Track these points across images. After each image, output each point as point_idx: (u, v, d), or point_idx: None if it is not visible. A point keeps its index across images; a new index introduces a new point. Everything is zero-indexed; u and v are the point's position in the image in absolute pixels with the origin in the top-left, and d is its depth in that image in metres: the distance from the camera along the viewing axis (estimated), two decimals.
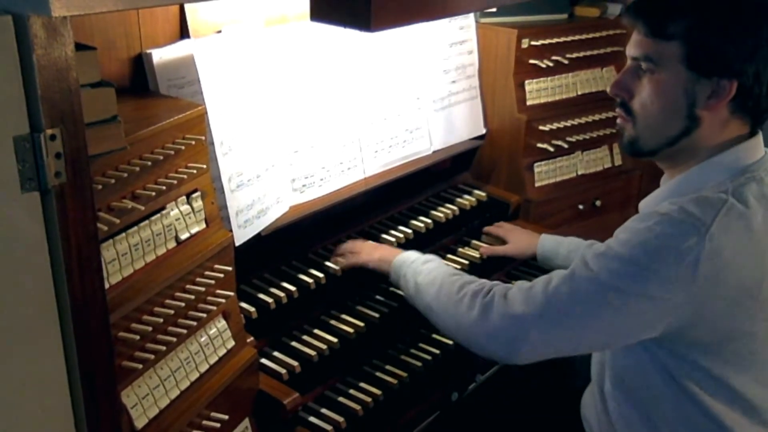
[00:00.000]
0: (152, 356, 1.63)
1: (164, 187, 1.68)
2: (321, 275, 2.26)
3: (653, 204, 1.81)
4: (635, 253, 1.63)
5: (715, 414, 1.73)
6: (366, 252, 2.30)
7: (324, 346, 2.12)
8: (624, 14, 1.79)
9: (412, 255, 2.18)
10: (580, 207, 3.08)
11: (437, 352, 2.25)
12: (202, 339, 1.81)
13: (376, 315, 2.27)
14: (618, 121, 1.84)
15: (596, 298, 1.66)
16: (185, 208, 1.77)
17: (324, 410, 2.02)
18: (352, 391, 2.10)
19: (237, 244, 1.98)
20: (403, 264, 2.15)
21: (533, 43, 2.86)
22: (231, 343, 1.89)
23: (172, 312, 1.69)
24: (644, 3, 1.75)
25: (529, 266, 2.70)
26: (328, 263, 2.32)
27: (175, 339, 1.70)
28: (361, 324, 2.23)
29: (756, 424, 1.76)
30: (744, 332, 1.70)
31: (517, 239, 2.64)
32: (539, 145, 2.93)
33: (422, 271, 2.06)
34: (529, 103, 2.91)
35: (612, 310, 1.66)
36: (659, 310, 1.64)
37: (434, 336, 2.29)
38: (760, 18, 1.64)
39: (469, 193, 2.86)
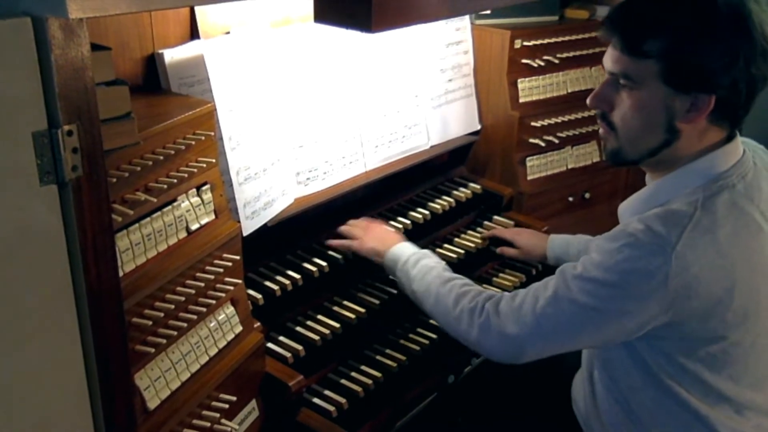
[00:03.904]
0: (164, 341, 1.63)
1: (175, 180, 1.68)
2: (324, 264, 2.26)
3: (630, 210, 1.81)
4: (608, 276, 1.63)
5: (691, 405, 1.73)
6: (359, 240, 2.27)
7: (327, 331, 2.12)
8: (601, 31, 1.74)
9: (403, 253, 2.14)
10: (570, 199, 3.08)
11: (434, 336, 2.25)
12: (212, 324, 1.82)
13: (377, 301, 2.27)
14: (600, 132, 1.81)
15: (579, 317, 1.68)
16: (195, 200, 1.77)
17: (327, 392, 2.03)
18: (353, 374, 2.10)
19: (244, 234, 1.98)
20: (394, 265, 2.14)
21: (526, 43, 2.85)
22: (239, 329, 1.89)
23: (182, 299, 1.69)
24: (620, 20, 1.70)
25: None
26: (331, 252, 2.32)
27: (185, 324, 1.70)
28: (362, 310, 2.23)
29: (732, 414, 1.75)
30: (717, 336, 1.68)
31: (525, 243, 2.57)
32: (531, 140, 2.93)
33: (415, 278, 2.05)
34: (521, 100, 2.90)
35: (595, 326, 1.69)
36: (638, 321, 1.65)
37: (431, 321, 2.29)
38: (734, 33, 1.59)
39: (465, 186, 2.86)
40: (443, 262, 2.10)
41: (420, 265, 2.07)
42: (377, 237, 2.27)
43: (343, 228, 2.32)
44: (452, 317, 1.90)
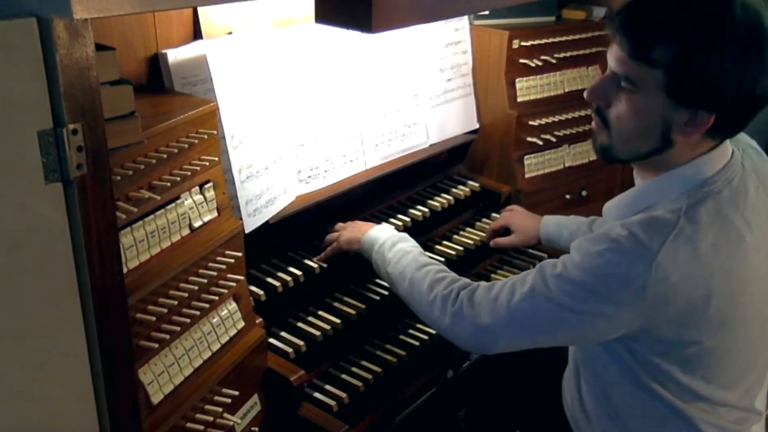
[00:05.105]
0: (167, 336, 1.64)
1: (179, 178, 1.68)
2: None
3: (615, 210, 1.78)
4: (587, 278, 1.61)
5: (667, 401, 1.72)
6: (338, 236, 2.26)
7: (328, 327, 2.12)
8: (608, 25, 1.65)
9: (379, 236, 2.13)
10: (568, 197, 3.08)
11: (433, 331, 2.24)
12: (214, 320, 1.82)
13: (377, 297, 2.27)
14: (593, 125, 1.76)
15: (554, 316, 1.66)
16: (198, 197, 1.77)
17: (328, 386, 2.03)
18: (354, 369, 2.10)
19: (246, 231, 1.98)
20: (371, 248, 2.12)
21: (523, 43, 2.85)
22: (241, 324, 1.89)
23: (186, 295, 1.69)
24: (630, 22, 1.60)
25: (520, 252, 2.71)
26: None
27: (189, 320, 1.70)
28: (363, 306, 2.23)
29: (708, 409, 1.75)
30: (692, 341, 1.66)
31: (520, 226, 2.53)
32: (529, 138, 2.93)
33: (390, 261, 2.03)
34: (519, 99, 2.90)
35: (570, 326, 1.66)
36: (613, 325, 1.64)
37: None
38: (747, 51, 1.51)
39: (464, 184, 2.86)
40: (419, 247, 2.08)
41: (396, 249, 2.05)
42: (355, 227, 2.27)
43: (327, 237, 2.31)
44: (425, 302, 1.88)
